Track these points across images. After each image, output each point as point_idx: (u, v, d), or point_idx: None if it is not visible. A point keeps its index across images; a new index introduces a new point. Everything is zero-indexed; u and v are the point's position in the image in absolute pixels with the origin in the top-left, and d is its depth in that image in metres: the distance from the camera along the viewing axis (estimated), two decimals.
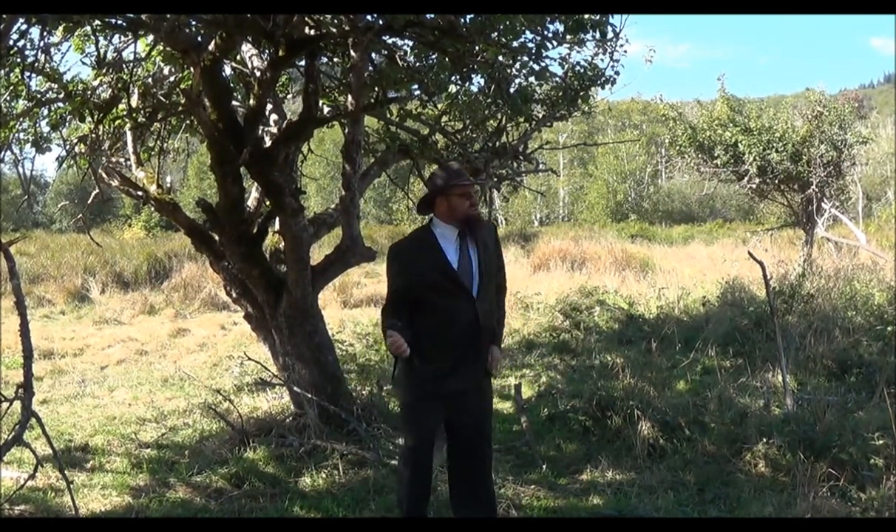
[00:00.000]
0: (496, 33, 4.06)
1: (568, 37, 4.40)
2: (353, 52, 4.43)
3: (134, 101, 4.90)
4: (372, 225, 29.36)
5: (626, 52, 5.15)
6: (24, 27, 3.80)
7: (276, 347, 5.20)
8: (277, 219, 4.99)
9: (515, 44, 4.27)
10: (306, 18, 4.20)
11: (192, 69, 4.21)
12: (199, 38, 3.99)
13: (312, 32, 4.36)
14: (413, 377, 3.25)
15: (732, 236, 22.07)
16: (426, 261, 3.22)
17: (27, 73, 4.36)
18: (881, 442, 4.25)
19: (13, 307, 3.14)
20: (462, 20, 3.92)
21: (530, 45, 4.34)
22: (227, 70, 5.11)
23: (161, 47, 4.62)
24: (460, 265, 3.22)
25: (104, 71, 4.61)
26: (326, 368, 5.07)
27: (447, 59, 4.42)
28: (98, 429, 5.55)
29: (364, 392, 5.50)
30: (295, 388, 4.99)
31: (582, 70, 5.17)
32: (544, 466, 4.52)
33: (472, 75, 4.82)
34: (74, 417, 5.91)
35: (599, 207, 39.25)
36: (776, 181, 12.55)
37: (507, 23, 3.95)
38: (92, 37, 4.48)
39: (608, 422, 4.94)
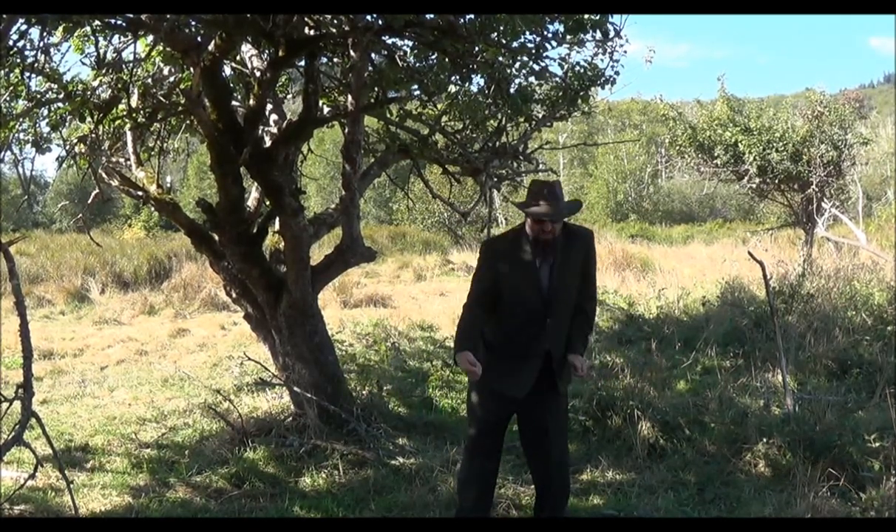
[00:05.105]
0: (496, 33, 4.06)
1: (568, 37, 4.40)
2: (353, 52, 4.43)
3: (134, 101, 4.89)
4: (372, 225, 29.31)
5: (625, 52, 5.13)
6: (24, 27, 3.80)
7: (276, 347, 5.20)
8: (277, 219, 4.99)
9: (515, 44, 4.27)
10: (306, 18, 4.20)
11: (192, 69, 4.21)
12: (199, 38, 3.98)
13: (312, 32, 4.36)
14: None
15: (732, 236, 22.02)
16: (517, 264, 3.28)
17: (27, 73, 4.36)
18: (879, 443, 4.25)
19: (13, 307, 3.14)
20: (462, 20, 3.92)
21: (530, 45, 4.34)
22: (227, 70, 5.11)
23: (161, 47, 4.62)
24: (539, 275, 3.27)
25: (104, 71, 4.61)
26: (326, 368, 5.07)
27: (447, 59, 4.42)
28: (98, 429, 5.55)
29: (364, 392, 5.49)
30: (295, 388, 4.99)
31: (582, 70, 5.16)
32: None
33: (472, 75, 4.81)
34: (74, 417, 5.90)
35: (599, 207, 39.19)
36: (776, 181, 12.55)
37: (507, 23, 3.94)
38: (92, 37, 4.48)
39: (608, 422, 4.94)
